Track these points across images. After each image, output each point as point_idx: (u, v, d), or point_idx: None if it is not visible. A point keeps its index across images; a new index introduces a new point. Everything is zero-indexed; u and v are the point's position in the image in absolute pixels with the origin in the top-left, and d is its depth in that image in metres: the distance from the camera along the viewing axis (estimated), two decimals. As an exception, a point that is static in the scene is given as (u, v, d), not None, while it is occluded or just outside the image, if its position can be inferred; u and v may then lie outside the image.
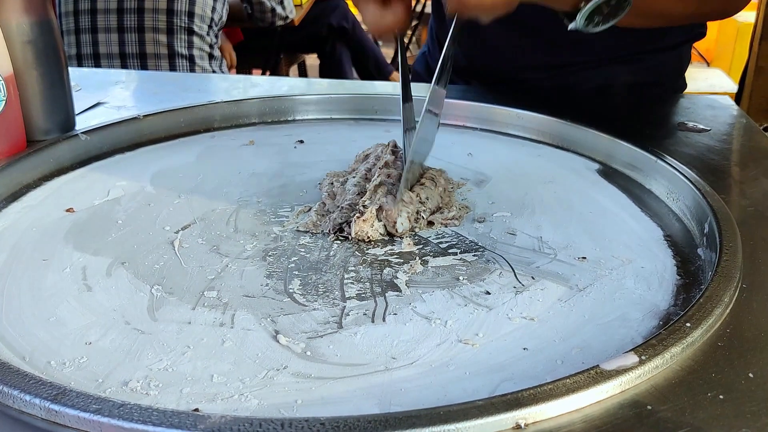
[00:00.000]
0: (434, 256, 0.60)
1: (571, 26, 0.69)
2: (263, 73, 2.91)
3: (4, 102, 0.74)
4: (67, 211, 0.68)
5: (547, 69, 1.02)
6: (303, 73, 3.44)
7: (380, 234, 0.63)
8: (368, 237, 0.62)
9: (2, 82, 0.74)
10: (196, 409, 0.41)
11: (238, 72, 2.55)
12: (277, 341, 0.49)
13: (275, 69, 2.93)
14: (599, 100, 1.00)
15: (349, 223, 0.63)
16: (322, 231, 0.64)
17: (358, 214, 0.62)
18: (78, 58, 1.88)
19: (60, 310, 0.52)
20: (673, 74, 1.06)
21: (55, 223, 0.65)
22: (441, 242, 0.63)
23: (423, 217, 0.65)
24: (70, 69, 0.85)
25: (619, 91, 1.01)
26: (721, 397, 0.42)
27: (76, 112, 0.86)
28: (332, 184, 0.71)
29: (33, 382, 0.41)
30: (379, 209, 0.63)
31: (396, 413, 0.38)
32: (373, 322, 0.51)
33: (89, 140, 0.80)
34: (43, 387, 0.40)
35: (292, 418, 0.38)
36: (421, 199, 0.66)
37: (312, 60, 3.45)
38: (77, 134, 0.80)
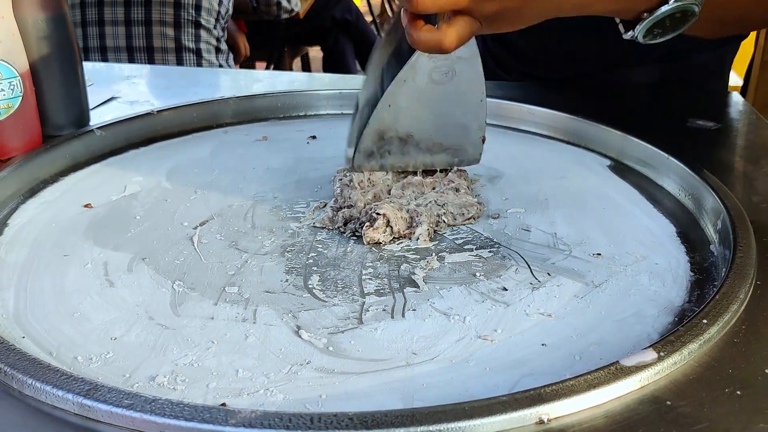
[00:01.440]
0: (450, 253, 0.61)
1: (627, 35, 0.63)
2: (267, 66, 2.91)
3: (20, 98, 0.75)
4: (85, 206, 0.69)
5: (598, 67, 1.01)
6: (306, 65, 3.44)
7: (393, 237, 0.63)
8: (381, 241, 0.62)
9: (19, 78, 0.75)
10: (224, 404, 0.42)
11: (242, 65, 2.55)
12: (300, 336, 0.50)
13: (279, 62, 2.93)
14: (614, 97, 1.00)
15: (362, 226, 0.63)
16: (338, 228, 0.65)
17: (368, 224, 0.62)
18: (84, 51, 1.87)
19: (84, 305, 0.53)
20: (715, 74, 1.05)
21: (73, 219, 0.66)
22: (456, 238, 0.63)
23: (444, 221, 0.65)
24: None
25: (640, 89, 1.00)
26: (738, 393, 0.43)
27: (90, 107, 0.87)
28: (342, 180, 0.71)
29: (64, 378, 0.41)
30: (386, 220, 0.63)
31: (422, 408, 0.39)
32: (392, 317, 0.52)
33: (104, 135, 0.81)
34: (74, 382, 0.41)
35: (320, 412, 0.39)
36: (439, 203, 0.66)
37: (315, 52, 3.45)
38: (92, 130, 0.80)
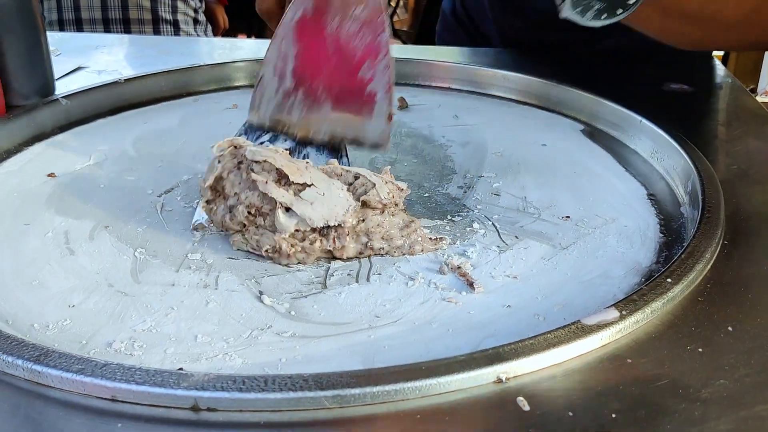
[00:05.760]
0: (419, 217, 0.60)
1: (562, 12, 0.55)
2: (248, 38, 2.87)
3: (-19, 66, 0.73)
4: (49, 176, 0.67)
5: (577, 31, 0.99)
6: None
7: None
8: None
9: (-22, 45, 0.73)
10: (181, 369, 0.42)
11: (223, 37, 2.52)
12: (262, 302, 0.49)
13: (260, 33, 2.89)
14: (589, 62, 0.99)
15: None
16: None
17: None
18: (60, 23, 1.84)
19: (42, 273, 0.52)
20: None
21: (36, 188, 0.65)
22: (426, 203, 0.63)
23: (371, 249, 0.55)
24: (49, 34, 0.84)
25: (616, 54, 0.97)
26: (700, 350, 0.42)
27: (56, 76, 0.85)
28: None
29: (15, 344, 0.40)
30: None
31: (379, 368, 0.39)
32: (357, 282, 0.52)
33: (70, 105, 0.79)
34: (25, 348, 0.40)
35: (275, 374, 0.38)
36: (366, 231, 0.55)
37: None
38: (57, 99, 0.79)
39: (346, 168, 0.56)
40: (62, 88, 0.84)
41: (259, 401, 0.37)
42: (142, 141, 0.75)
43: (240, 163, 0.55)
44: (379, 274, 0.52)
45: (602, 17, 0.55)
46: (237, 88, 0.92)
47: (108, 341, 0.45)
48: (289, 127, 0.61)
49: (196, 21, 1.94)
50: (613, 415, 0.37)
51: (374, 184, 0.54)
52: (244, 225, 0.54)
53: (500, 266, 0.53)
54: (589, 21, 0.55)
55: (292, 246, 0.52)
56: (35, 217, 0.60)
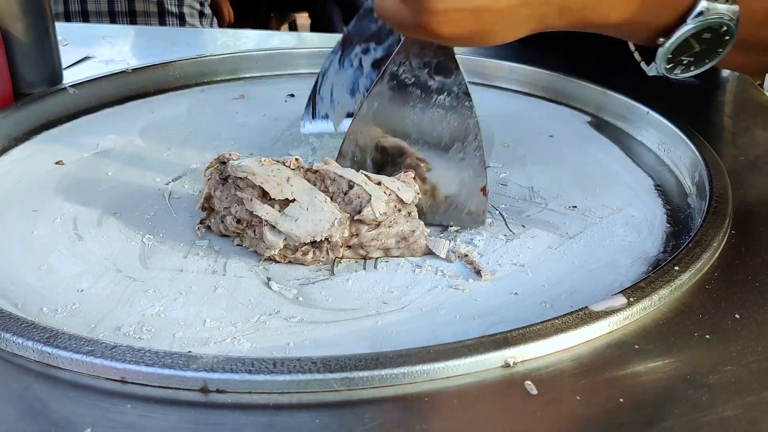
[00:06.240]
0: (426, 206, 0.60)
1: (651, 71, 0.53)
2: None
3: (-11, 54, 0.73)
4: (57, 163, 0.67)
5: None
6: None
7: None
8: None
9: (-13, 33, 0.73)
10: (189, 352, 0.42)
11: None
12: (270, 288, 0.49)
13: (265, 28, 2.89)
14: (595, 54, 0.99)
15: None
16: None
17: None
18: (66, 15, 1.84)
19: (51, 258, 0.52)
20: None
21: (45, 176, 0.65)
22: (432, 192, 0.63)
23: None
24: (57, 24, 0.84)
25: (623, 45, 0.97)
26: (707, 337, 0.42)
27: (64, 66, 0.85)
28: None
29: (26, 326, 0.41)
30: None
31: (387, 352, 0.39)
32: (364, 269, 0.52)
33: (77, 94, 0.80)
34: (35, 330, 0.40)
35: (284, 357, 0.38)
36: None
37: (303, 20, 3.40)
38: (65, 88, 0.79)
39: (340, 173, 0.53)
40: (70, 77, 0.84)
41: (268, 383, 0.37)
42: (149, 130, 0.75)
43: (227, 178, 0.54)
44: (387, 261, 0.53)
45: (691, 69, 0.53)
46: (243, 78, 0.92)
47: (117, 325, 0.45)
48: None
49: (201, 14, 1.93)
50: (621, 400, 0.37)
51: (370, 197, 0.51)
52: (238, 234, 0.54)
53: (507, 254, 0.53)
54: (677, 75, 0.54)
55: (284, 257, 0.52)
56: (44, 203, 0.60)
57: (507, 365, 0.39)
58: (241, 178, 0.53)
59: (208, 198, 0.55)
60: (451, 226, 0.57)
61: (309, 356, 0.38)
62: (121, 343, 0.39)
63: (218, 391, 0.37)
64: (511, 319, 0.46)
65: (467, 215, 0.56)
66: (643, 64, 0.54)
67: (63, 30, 1.02)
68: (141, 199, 0.61)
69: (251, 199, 0.51)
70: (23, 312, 0.46)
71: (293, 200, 0.51)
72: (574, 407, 0.37)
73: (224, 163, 0.55)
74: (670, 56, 0.51)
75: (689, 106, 0.79)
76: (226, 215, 0.53)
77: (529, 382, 0.38)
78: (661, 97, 0.79)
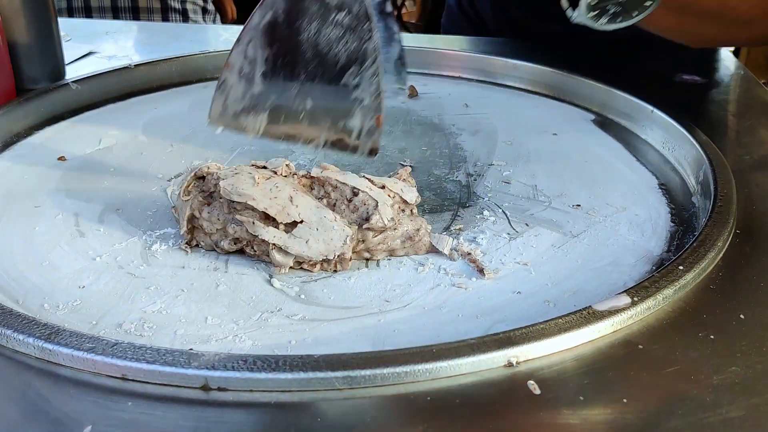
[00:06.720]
0: (428, 208, 0.60)
1: (574, 17, 0.53)
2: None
3: (-8, 49, 0.73)
4: (59, 159, 0.67)
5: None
6: (297, 29, 3.39)
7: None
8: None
9: (-10, 28, 0.73)
10: (190, 350, 0.41)
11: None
12: (272, 285, 0.49)
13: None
14: (599, 52, 0.99)
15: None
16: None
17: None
18: (69, 11, 1.84)
19: (53, 255, 0.52)
20: None
21: (47, 171, 0.65)
22: (436, 191, 0.62)
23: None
24: (60, 20, 0.84)
25: (627, 44, 0.96)
26: (711, 337, 0.42)
27: (66, 61, 0.85)
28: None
29: (27, 323, 0.41)
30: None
31: (389, 351, 0.38)
32: (367, 267, 0.51)
33: (80, 89, 0.79)
34: (36, 327, 0.40)
35: (286, 355, 0.38)
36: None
37: (307, 16, 3.40)
38: (68, 83, 0.79)
39: (342, 179, 0.52)
40: (72, 72, 0.84)
41: (270, 381, 0.37)
42: (152, 126, 0.75)
43: (210, 194, 0.52)
44: (389, 259, 0.52)
45: (617, 20, 0.53)
46: (247, 75, 0.91)
47: (118, 322, 0.45)
48: (258, 131, 0.55)
49: (204, 10, 1.93)
50: (624, 400, 0.37)
51: (376, 203, 0.51)
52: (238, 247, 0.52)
53: (510, 253, 0.53)
54: (603, 25, 0.53)
55: (292, 268, 0.50)
56: (46, 199, 0.60)
57: (510, 365, 0.39)
58: (238, 201, 0.50)
59: (192, 219, 0.52)
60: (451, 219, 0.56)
61: (310, 354, 0.38)
62: (122, 341, 0.39)
63: (219, 389, 0.37)
64: (514, 318, 0.46)
65: (359, 143, 0.53)
66: (569, 11, 0.53)
67: (66, 25, 1.02)
68: (143, 195, 0.61)
69: (253, 223, 0.49)
70: (24, 308, 0.46)
71: (301, 221, 0.49)
72: (577, 407, 0.37)
73: (202, 178, 0.53)
74: (594, 2, 0.49)
75: (694, 105, 0.79)
76: (222, 239, 0.51)
77: (532, 382, 0.38)
78: (665, 95, 0.79)
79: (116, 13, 1.84)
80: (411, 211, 0.54)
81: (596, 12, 0.51)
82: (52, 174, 0.64)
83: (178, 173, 0.65)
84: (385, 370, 0.37)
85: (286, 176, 0.53)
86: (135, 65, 0.84)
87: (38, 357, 0.39)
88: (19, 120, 0.73)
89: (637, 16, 0.52)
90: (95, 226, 0.56)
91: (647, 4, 0.51)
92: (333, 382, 0.37)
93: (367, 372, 0.37)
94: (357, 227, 0.51)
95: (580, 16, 0.52)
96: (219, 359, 0.37)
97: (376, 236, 0.51)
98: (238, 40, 0.54)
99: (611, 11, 0.51)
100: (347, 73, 0.52)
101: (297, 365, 0.37)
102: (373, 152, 0.52)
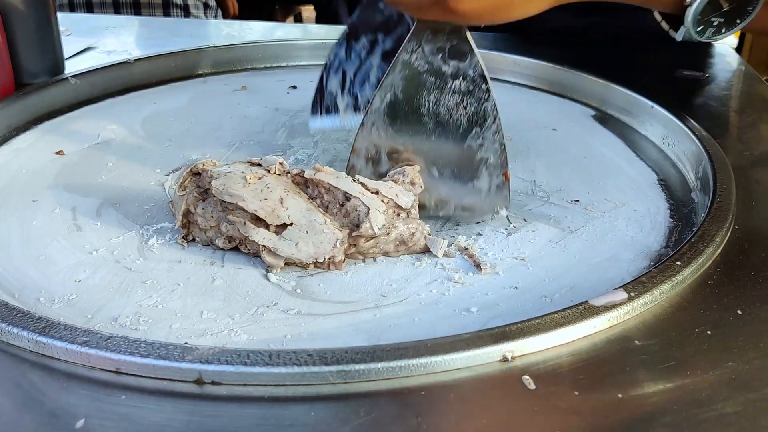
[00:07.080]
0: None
1: (680, 35, 0.53)
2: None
3: (-9, 43, 0.73)
4: (57, 153, 0.67)
5: (580, 17, 0.96)
6: (300, 26, 3.39)
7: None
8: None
9: (-12, 22, 0.73)
10: (185, 344, 0.41)
11: (234, 23, 2.50)
12: (268, 279, 0.49)
13: (270, 21, 2.88)
14: (598, 46, 0.98)
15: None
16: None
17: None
18: (70, 6, 1.84)
19: (49, 249, 0.52)
20: None
21: (45, 166, 0.65)
22: (433, 185, 0.62)
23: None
24: (60, 14, 0.84)
25: (629, 39, 0.96)
26: (708, 332, 0.42)
27: (66, 56, 0.85)
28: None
29: (21, 316, 0.40)
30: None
31: (383, 345, 0.38)
32: (363, 262, 0.51)
33: (79, 84, 0.79)
34: (31, 320, 0.40)
35: (280, 349, 0.38)
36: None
37: (308, 12, 3.39)
38: (67, 78, 0.79)
39: (335, 183, 0.51)
40: (72, 67, 0.84)
41: (264, 375, 0.37)
42: (151, 121, 0.75)
43: (205, 191, 0.52)
44: (387, 254, 0.52)
45: (722, 31, 0.53)
46: (246, 70, 0.91)
47: (113, 316, 0.45)
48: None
49: (206, 6, 1.93)
50: (620, 395, 0.37)
51: (368, 210, 0.50)
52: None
53: (508, 248, 0.53)
54: (709, 38, 0.53)
55: (287, 264, 0.50)
56: (43, 193, 0.60)
57: (505, 359, 0.39)
58: (229, 201, 0.50)
59: (187, 213, 0.52)
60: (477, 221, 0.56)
61: (305, 348, 0.38)
62: (115, 334, 0.39)
63: (213, 383, 0.37)
64: (510, 313, 0.45)
65: (489, 202, 0.55)
66: (671, 32, 0.54)
67: (66, 20, 1.02)
68: (141, 189, 0.61)
69: (244, 223, 0.49)
70: (20, 302, 0.46)
71: (291, 224, 0.49)
72: (572, 403, 0.36)
73: (198, 174, 0.53)
74: (699, 17, 0.50)
75: (694, 101, 0.78)
76: (217, 236, 0.51)
77: (527, 377, 0.38)
78: (665, 91, 0.79)
79: (117, 8, 1.84)
80: (408, 213, 0.53)
81: (701, 27, 0.52)
82: (50, 168, 0.64)
83: (176, 168, 0.65)
84: (380, 365, 0.37)
85: (279, 174, 0.53)
86: (134, 60, 0.84)
87: (33, 350, 0.39)
88: (17, 114, 0.73)
89: (740, 23, 0.53)
90: (92, 220, 0.56)
91: (749, 8, 0.51)
92: (327, 376, 0.37)
93: (361, 366, 0.37)
94: (348, 231, 0.50)
95: (684, 34, 0.53)
96: (212, 353, 0.37)
97: (367, 242, 0.51)
98: (361, 125, 0.56)
99: (715, 23, 0.51)
100: (470, 135, 0.54)
101: (291, 359, 0.37)
102: (507, 207, 0.56)
